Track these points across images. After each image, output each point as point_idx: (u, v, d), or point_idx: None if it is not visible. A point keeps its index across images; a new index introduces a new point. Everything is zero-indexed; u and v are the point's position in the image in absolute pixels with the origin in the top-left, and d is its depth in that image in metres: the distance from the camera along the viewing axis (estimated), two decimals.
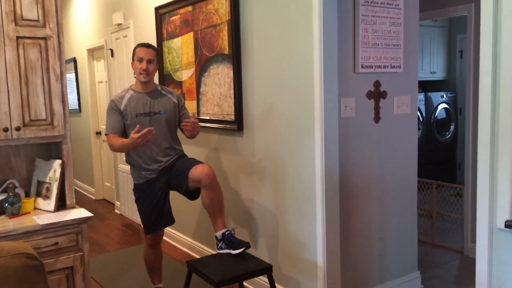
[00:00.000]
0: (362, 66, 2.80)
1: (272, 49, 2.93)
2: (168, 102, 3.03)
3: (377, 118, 2.93)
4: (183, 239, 4.23)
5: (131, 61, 3.06)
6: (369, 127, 2.91)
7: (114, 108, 2.93)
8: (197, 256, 3.95)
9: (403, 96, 3.04)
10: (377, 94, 2.92)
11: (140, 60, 2.93)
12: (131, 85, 3.10)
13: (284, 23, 2.81)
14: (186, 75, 3.83)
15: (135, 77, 3.02)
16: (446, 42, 6.35)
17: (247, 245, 2.69)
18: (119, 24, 4.99)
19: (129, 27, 4.78)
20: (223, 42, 3.31)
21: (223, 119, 3.42)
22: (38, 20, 2.52)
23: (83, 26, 6.24)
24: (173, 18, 3.90)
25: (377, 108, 2.93)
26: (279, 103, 2.92)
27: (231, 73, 3.26)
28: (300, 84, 2.74)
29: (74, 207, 2.70)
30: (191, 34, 3.68)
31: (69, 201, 2.69)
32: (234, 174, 3.43)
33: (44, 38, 2.54)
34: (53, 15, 2.56)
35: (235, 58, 3.20)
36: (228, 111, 3.35)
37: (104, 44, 5.54)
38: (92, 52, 6.15)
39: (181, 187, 2.94)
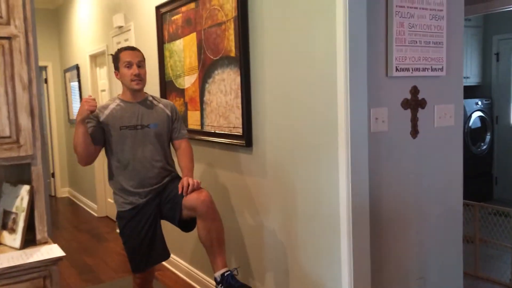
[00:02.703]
0: (396, 69, 2.28)
1: (286, 49, 2.43)
2: (160, 114, 2.60)
3: (414, 132, 2.40)
4: (180, 264, 3.74)
5: (114, 71, 2.61)
6: (405, 143, 2.38)
7: (91, 116, 2.49)
8: (196, 286, 3.46)
9: (446, 105, 2.51)
10: (414, 103, 2.39)
11: (129, 65, 2.50)
12: (118, 95, 2.65)
13: (300, 18, 2.31)
14: (188, 81, 3.36)
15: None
16: (480, 44, 5.76)
17: None
18: (120, 27, 4.56)
19: (130, 29, 4.34)
20: (229, 42, 2.82)
21: (229, 133, 2.92)
22: (0, 17, 2.08)
23: (85, 31, 5.85)
24: (175, 17, 3.44)
25: (414, 120, 2.40)
26: (295, 115, 2.41)
27: (238, 79, 2.76)
28: (320, 92, 2.23)
29: (46, 242, 2.22)
30: (194, 34, 3.21)
31: (39, 235, 2.22)
32: (240, 196, 2.93)
33: (8, 38, 2.08)
34: (19, 10, 2.10)
35: (243, 61, 2.71)
36: (235, 123, 2.85)
37: (105, 50, 5.12)
38: (95, 59, 5.74)
39: (173, 216, 2.46)
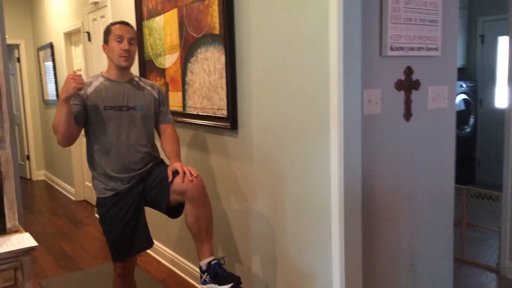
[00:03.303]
0: (391, 48, 2.17)
1: (275, 26, 2.29)
2: (147, 96, 2.46)
3: (408, 115, 2.31)
4: (164, 251, 3.62)
5: (102, 43, 2.45)
6: (398, 126, 2.28)
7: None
8: (181, 274, 3.36)
9: (440, 86, 2.42)
10: (408, 84, 2.29)
11: (120, 40, 2.33)
12: (101, 72, 2.48)
13: None
14: (169, 61, 3.19)
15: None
16: (465, 26, 5.70)
17: (237, 281, 2.12)
18: (95, 3, 4.33)
19: (106, 5, 4.12)
20: (213, 19, 2.67)
21: (213, 115, 2.78)
22: None
23: (59, 7, 5.57)
24: None
25: (408, 102, 2.30)
26: (284, 96, 2.29)
27: (223, 58, 2.62)
28: (312, 72, 2.11)
29: (17, 231, 2.07)
30: (175, 11, 3.03)
31: (10, 223, 2.06)
32: (226, 181, 2.81)
33: None
34: None
35: (228, 38, 2.56)
36: (219, 104, 2.71)
37: (80, 27, 4.88)
38: (70, 37, 5.49)
39: (160, 202, 2.32)
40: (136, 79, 2.50)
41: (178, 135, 2.57)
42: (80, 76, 2.17)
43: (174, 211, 2.38)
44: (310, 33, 2.09)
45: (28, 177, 7.19)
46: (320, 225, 2.17)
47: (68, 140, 2.30)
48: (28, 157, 7.13)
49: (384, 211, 2.31)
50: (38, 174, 7.18)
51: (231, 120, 2.62)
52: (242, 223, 2.71)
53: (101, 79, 2.40)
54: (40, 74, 6.62)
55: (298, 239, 2.32)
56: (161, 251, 3.65)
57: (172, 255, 3.52)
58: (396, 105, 2.27)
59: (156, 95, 2.49)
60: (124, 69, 2.40)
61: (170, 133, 2.51)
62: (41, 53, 6.44)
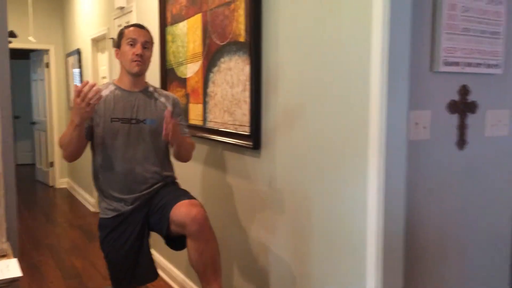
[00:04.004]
0: (445, 63, 1.83)
1: (307, 35, 1.99)
2: (160, 109, 2.24)
3: (462, 142, 1.95)
4: (175, 274, 3.33)
5: (115, 49, 2.23)
6: (450, 155, 1.93)
7: None
8: None
9: (500, 110, 2.05)
10: (463, 106, 1.94)
11: (133, 43, 2.13)
12: (113, 79, 2.27)
13: None
14: (191, 70, 2.93)
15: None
16: None
17: None
18: (121, 8, 4.15)
19: (131, 11, 3.93)
20: (238, 25, 2.39)
21: (234, 131, 2.49)
22: None
23: (87, 12, 5.45)
24: None
25: (462, 127, 1.95)
26: (315, 114, 1.98)
27: (247, 68, 2.33)
28: (348, 89, 1.79)
29: (4, 256, 1.82)
30: (199, 16, 2.78)
31: None
32: (242, 207, 2.50)
33: None
34: None
35: (254, 47, 2.28)
36: (241, 120, 2.42)
37: (106, 33, 4.72)
38: (97, 43, 5.35)
39: (160, 230, 2.07)
40: (151, 89, 2.27)
41: (196, 150, 2.34)
42: (88, 92, 1.84)
43: (176, 243, 2.10)
44: (349, 43, 1.78)
45: (51, 184, 7.08)
46: (352, 267, 1.83)
47: (76, 156, 2.14)
48: (52, 164, 7.03)
49: (430, 253, 1.95)
50: (61, 182, 7.07)
51: (253, 139, 2.32)
52: (260, 258, 2.40)
53: (111, 88, 2.19)
54: (68, 80, 6.53)
55: (325, 283, 1.98)
56: (172, 274, 3.37)
57: (183, 280, 3.22)
58: (448, 130, 1.92)
59: (169, 107, 2.24)
60: (136, 77, 2.17)
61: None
62: (70, 59, 6.35)
